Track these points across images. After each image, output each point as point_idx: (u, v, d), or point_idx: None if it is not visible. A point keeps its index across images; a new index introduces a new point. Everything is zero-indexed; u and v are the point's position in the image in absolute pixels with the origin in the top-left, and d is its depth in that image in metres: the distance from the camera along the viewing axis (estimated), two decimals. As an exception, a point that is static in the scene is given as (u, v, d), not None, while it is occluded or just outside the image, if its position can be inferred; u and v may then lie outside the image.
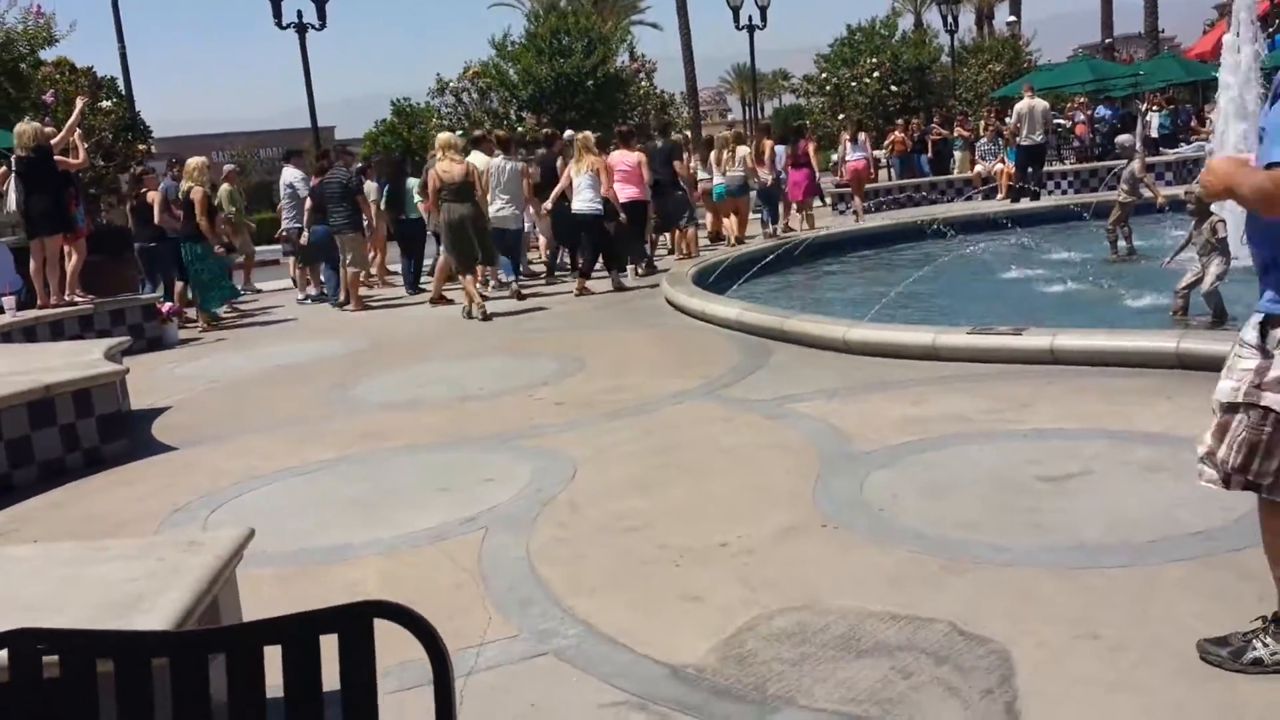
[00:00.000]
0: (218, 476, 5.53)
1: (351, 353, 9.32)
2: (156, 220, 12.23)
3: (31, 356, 7.10)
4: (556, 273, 13.85)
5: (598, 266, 12.20)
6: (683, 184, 14.10)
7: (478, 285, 11.30)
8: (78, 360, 6.54)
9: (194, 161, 11.96)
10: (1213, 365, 5.64)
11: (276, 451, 5.98)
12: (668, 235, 14.70)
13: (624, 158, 12.54)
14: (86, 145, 12.33)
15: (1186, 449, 4.54)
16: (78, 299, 10.06)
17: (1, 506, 5.30)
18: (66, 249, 10.00)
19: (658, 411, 6.18)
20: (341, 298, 12.53)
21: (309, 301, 13.47)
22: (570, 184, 11.94)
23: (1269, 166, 2.46)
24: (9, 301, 9.62)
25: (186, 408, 7.50)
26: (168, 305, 11.37)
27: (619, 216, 12.13)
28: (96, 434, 6.02)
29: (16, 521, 5.09)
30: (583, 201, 11.85)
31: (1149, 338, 6.24)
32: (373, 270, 14.81)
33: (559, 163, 13.07)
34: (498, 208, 11.92)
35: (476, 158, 11.98)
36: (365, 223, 12.49)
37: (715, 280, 10.98)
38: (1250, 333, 2.73)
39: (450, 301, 11.79)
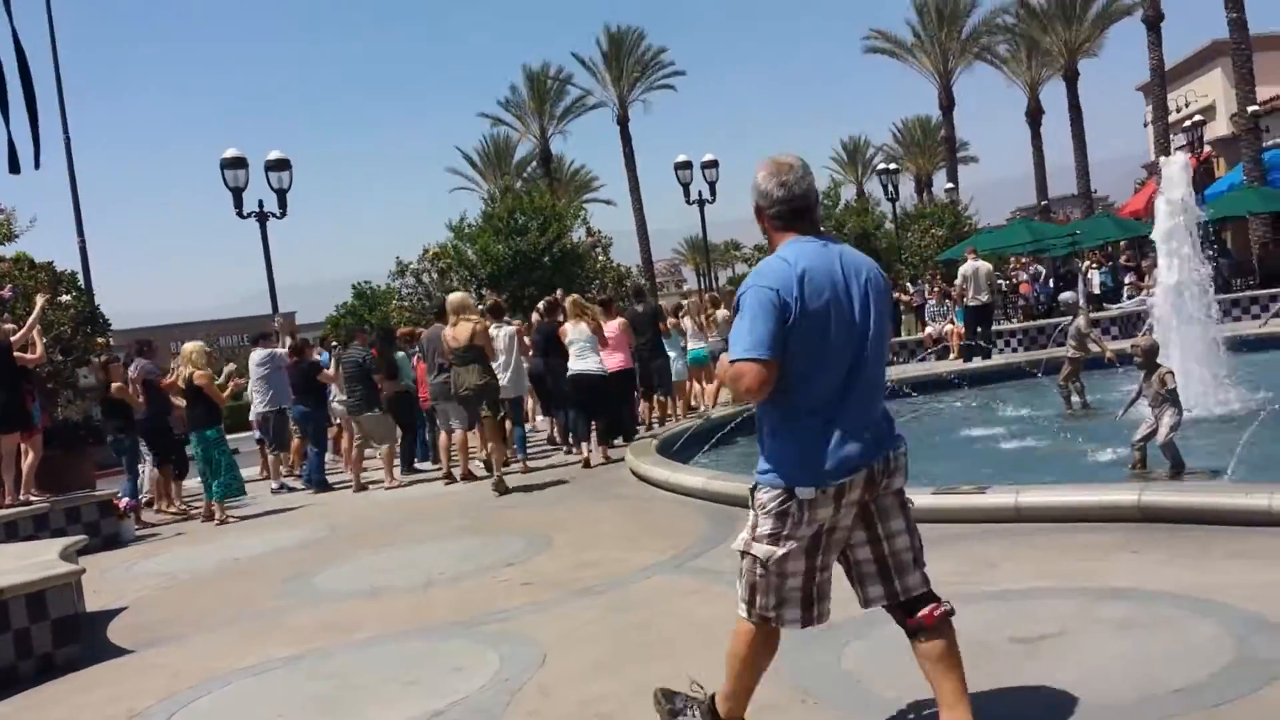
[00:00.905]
0: (176, 679, 5.34)
1: (313, 541, 9.17)
2: (135, 405, 11.96)
3: (-17, 560, 6.92)
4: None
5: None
6: (667, 347, 13.91)
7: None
8: (31, 562, 6.38)
9: (191, 346, 11.65)
10: (1176, 516, 5.76)
11: (237, 649, 5.80)
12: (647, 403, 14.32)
13: (607, 326, 12.31)
14: (45, 340, 12.36)
15: (1158, 603, 4.57)
16: (33, 498, 9.88)
17: (-52, 722, 5.08)
18: (23, 446, 9.88)
19: (627, 587, 6.10)
20: (389, 481, 12.23)
21: (283, 490, 13.10)
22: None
23: (731, 362, 3.22)
24: (-39, 503, 9.43)
25: (143, 607, 7.30)
26: (125, 500, 11.19)
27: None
28: (50, 639, 5.81)
29: (-37, 737, 4.88)
30: (585, 362, 11.68)
31: (1111, 492, 6.29)
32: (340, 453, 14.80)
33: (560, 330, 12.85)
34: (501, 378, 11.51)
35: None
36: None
37: (680, 449, 11.01)
38: (750, 497, 3.43)
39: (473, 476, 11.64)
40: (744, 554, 3.42)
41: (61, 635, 5.88)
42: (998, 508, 6.42)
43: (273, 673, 5.30)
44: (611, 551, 7.13)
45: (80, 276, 20.74)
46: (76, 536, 8.04)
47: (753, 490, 3.40)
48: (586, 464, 11.56)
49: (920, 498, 6.66)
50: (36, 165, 13.38)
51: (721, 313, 14.86)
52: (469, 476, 11.55)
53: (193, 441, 11.34)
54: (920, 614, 3.44)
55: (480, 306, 12.30)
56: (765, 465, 3.34)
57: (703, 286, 59.73)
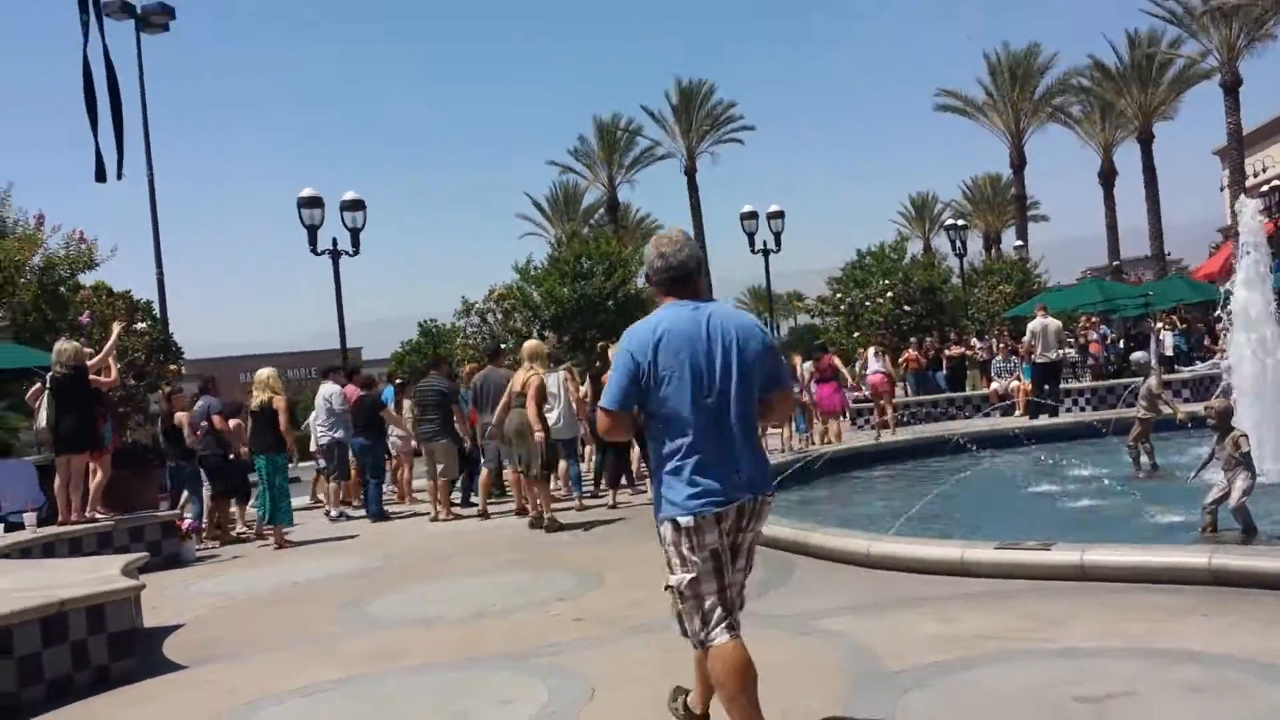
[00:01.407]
0: (228, 696, 5.38)
1: (368, 569, 9.22)
2: (188, 441, 12.27)
3: (47, 572, 7.05)
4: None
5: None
6: None
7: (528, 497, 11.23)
8: (93, 576, 6.48)
9: (266, 372, 11.97)
10: (1247, 581, 5.58)
11: (289, 671, 5.83)
12: None
13: None
14: (120, 365, 12.65)
15: (1227, 667, 4.42)
16: (99, 516, 10.06)
17: (6, 728, 5.15)
18: (92, 465, 10.08)
19: (678, 628, 6.02)
20: (437, 513, 12.30)
21: (343, 519, 13.22)
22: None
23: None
24: (30, 518, 9.64)
25: (199, 625, 7.37)
26: (187, 522, 11.36)
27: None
28: (107, 651, 5.90)
29: (19, 744, 4.93)
30: None
31: (1181, 553, 6.11)
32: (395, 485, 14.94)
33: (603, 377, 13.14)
34: (553, 419, 11.72)
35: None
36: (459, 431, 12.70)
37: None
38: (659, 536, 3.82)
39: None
40: (668, 588, 3.85)
41: (118, 648, 5.96)
42: (1063, 565, 6.25)
43: (324, 694, 5.31)
44: (663, 592, 7.06)
45: (156, 306, 21.25)
46: (138, 554, 8.16)
47: (659, 529, 3.82)
48: (613, 505, 11.78)
49: (983, 552, 6.61)
50: (119, 176, 13.65)
51: None
52: (522, 512, 11.58)
53: (263, 464, 11.47)
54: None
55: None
56: (656, 504, 3.84)
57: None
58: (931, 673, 4.76)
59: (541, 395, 10.78)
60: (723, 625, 3.77)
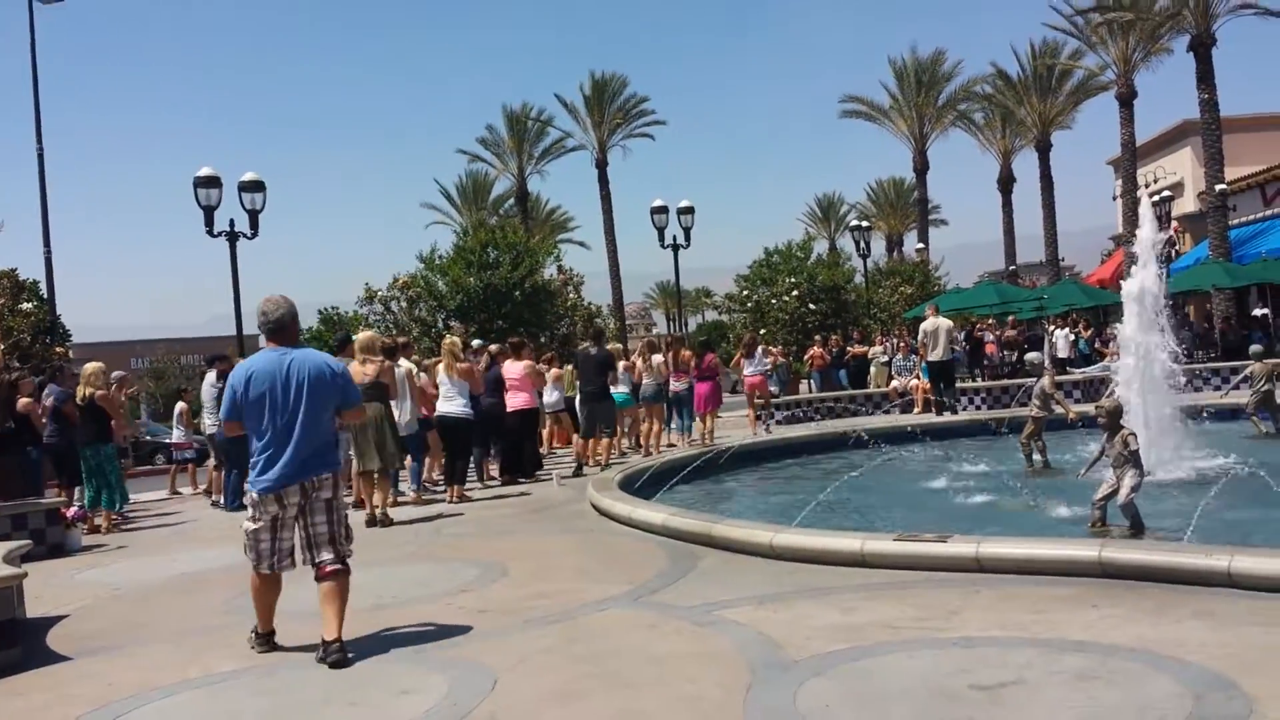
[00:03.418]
0: (114, 688, 5.18)
1: (264, 559, 8.99)
2: (38, 423, 11.95)
3: (-79, 560, 6.72)
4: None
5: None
6: (613, 393, 14.37)
7: (390, 492, 10.97)
8: (-29, 563, 6.20)
9: (91, 367, 12.03)
10: (1136, 574, 5.76)
11: (178, 662, 5.65)
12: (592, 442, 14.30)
13: (511, 368, 12.89)
14: (3, 347, 12.15)
15: (1116, 657, 4.55)
16: (-22, 501, 9.66)
17: None
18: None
19: (583, 619, 6.01)
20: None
21: (239, 508, 12.95)
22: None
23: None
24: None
25: (85, 616, 7.11)
26: (73, 510, 10.96)
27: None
28: (-15, 642, 5.65)
29: (-115, 738, 4.69)
30: (449, 405, 11.88)
31: (1072, 546, 6.28)
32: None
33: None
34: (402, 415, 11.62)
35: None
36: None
37: (641, 487, 10.94)
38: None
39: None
40: (244, 529, 5.63)
41: (-2, 639, 5.72)
42: (959, 557, 6.39)
43: (214, 687, 5.16)
44: (568, 583, 7.04)
45: (43, 286, 20.48)
46: (21, 542, 7.84)
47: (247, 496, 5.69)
48: (459, 498, 11.74)
49: (882, 544, 6.72)
50: None
51: (656, 357, 15.58)
52: (360, 505, 11.14)
53: (100, 453, 11.68)
54: (320, 571, 5.56)
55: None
56: (249, 478, 5.61)
57: (672, 331, 59.94)
58: (831, 661, 4.81)
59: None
60: (266, 564, 5.60)
